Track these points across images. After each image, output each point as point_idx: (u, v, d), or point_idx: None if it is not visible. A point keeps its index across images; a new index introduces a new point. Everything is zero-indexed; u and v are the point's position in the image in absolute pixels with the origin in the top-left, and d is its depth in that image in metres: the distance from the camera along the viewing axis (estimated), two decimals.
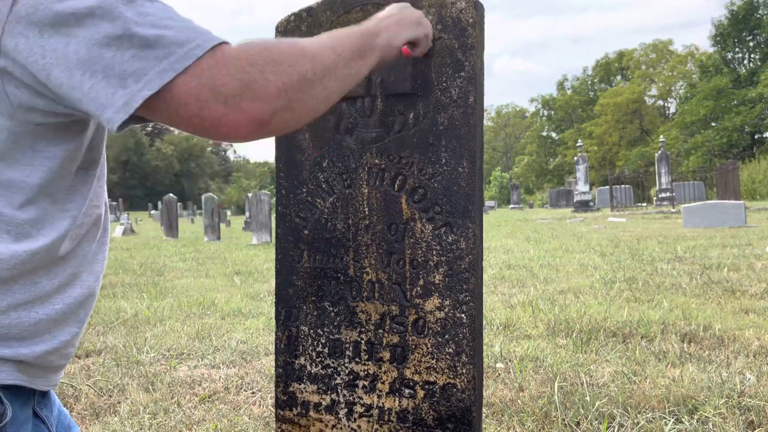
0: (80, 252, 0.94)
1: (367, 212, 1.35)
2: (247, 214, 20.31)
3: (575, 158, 23.65)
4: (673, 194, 21.01)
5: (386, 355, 1.33)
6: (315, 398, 1.41)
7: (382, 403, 1.34)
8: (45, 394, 0.98)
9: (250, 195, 15.69)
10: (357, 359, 1.36)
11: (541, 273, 5.86)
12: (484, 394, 2.30)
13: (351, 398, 1.37)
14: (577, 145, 25.02)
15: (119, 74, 0.74)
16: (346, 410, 1.37)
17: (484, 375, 2.39)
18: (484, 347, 2.91)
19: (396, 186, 1.32)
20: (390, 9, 1.12)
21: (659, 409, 2.13)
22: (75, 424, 1.14)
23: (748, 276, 5.11)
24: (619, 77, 59.92)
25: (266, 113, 0.79)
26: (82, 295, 0.95)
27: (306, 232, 1.41)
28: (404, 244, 1.31)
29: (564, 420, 2.08)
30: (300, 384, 1.42)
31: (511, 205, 34.32)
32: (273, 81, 0.79)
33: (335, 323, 1.38)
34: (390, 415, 1.33)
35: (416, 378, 1.31)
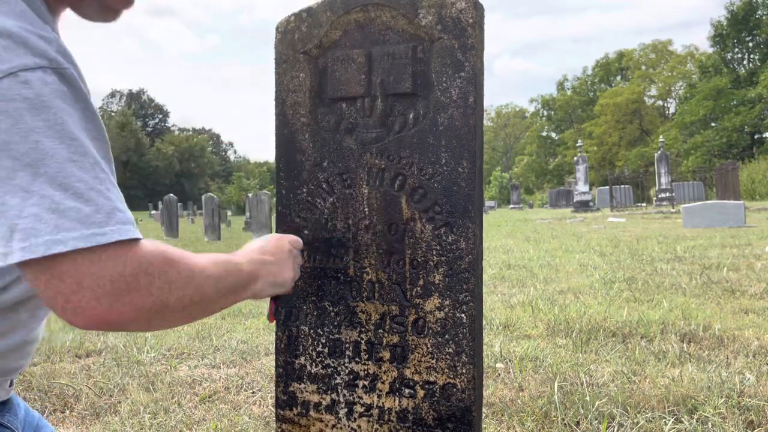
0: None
1: (367, 212, 1.35)
2: (248, 214, 20.31)
3: (575, 158, 23.65)
4: (673, 194, 21.02)
5: (386, 354, 1.34)
6: (315, 398, 1.41)
7: (382, 403, 1.34)
8: (5, 403, 1.00)
9: (250, 195, 15.69)
10: (357, 359, 1.36)
11: (541, 273, 5.86)
12: (484, 393, 2.30)
13: (351, 398, 1.37)
14: (577, 145, 25.03)
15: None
16: (346, 410, 1.38)
17: (484, 375, 2.39)
18: (484, 347, 2.91)
19: (396, 186, 1.32)
20: (271, 249, 1.15)
21: (659, 409, 2.13)
22: (46, 423, 1.16)
23: (747, 276, 5.11)
24: (619, 77, 59.91)
25: (128, 320, 0.77)
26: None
27: (306, 232, 1.41)
28: (404, 244, 1.31)
29: (564, 420, 2.09)
30: (300, 384, 1.42)
31: (511, 205, 34.33)
32: (154, 296, 0.78)
33: (335, 323, 1.38)
34: (390, 414, 1.33)
35: (416, 378, 1.31)
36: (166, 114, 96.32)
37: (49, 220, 0.70)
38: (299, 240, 1.28)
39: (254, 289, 1.07)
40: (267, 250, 1.14)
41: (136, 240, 0.77)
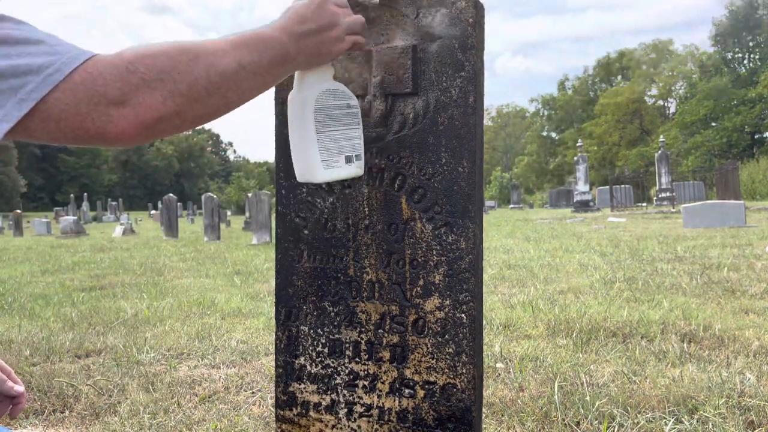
0: None
1: (367, 212, 1.35)
2: (247, 214, 20.30)
3: (575, 158, 23.65)
4: (673, 194, 21.02)
5: (386, 355, 1.33)
6: (315, 398, 1.41)
7: (382, 403, 1.34)
8: None
9: (250, 195, 15.70)
10: (357, 359, 1.36)
11: (541, 273, 5.86)
12: (484, 394, 2.30)
13: (351, 398, 1.37)
14: (577, 145, 25.02)
15: None
16: (346, 410, 1.37)
17: (484, 375, 2.39)
18: (484, 347, 2.91)
19: (396, 186, 1.32)
20: (308, 13, 1.00)
21: (659, 409, 2.13)
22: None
23: (748, 276, 5.11)
24: (619, 77, 59.92)
25: (151, 119, 0.78)
26: None
27: (306, 232, 1.41)
28: (404, 244, 1.31)
29: (564, 420, 2.08)
30: (300, 384, 1.42)
31: (511, 205, 34.33)
32: (158, 89, 0.78)
33: (335, 323, 1.38)
34: (390, 415, 1.33)
35: (416, 378, 1.31)
36: None
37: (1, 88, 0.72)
38: (354, 19, 1.09)
39: (296, 62, 0.99)
40: (306, 16, 1.00)
41: (92, 57, 0.78)
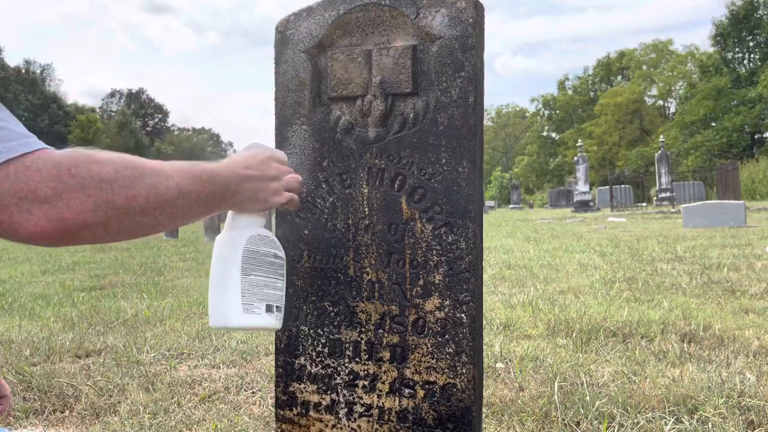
0: None
1: (367, 212, 1.35)
2: None
3: (575, 158, 23.65)
4: (673, 194, 21.02)
5: (386, 354, 1.33)
6: (315, 398, 1.41)
7: (382, 403, 1.34)
8: None
9: None
10: (357, 359, 1.36)
11: (541, 273, 5.86)
12: (484, 394, 2.30)
13: (351, 398, 1.37)
14: (577, 145, 25.02)
15: None
16: (346, 410, 1.37)
17: (484, 375, 2.39)
18: (484, 347, 2.91)
19: (396, 186, 1.32)
20: (254, 162, 1.06)
21: (659, 409, 2.13)
22: None
23: (748, 276, 5.11)
24: (619, 77, 59.92)
25: (75, 224, 0.75)
26: None
27: (306, 232, 1.41)
28: (404, 244, 1.31)
29: (564, 420, 2.08)
30: (300, 384, 1.42)
31: (511, 205, 34.33)
32: (93, 196, 0.76)
33: (335, 323, 1.38)
34: (390, 414, 1.33)
35: (416, 378, 1.31)
36: (165, 114, 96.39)
37: None
38: (284, 156, 1.18)
39: (233, 201, 1.02)
40: (251, 164, 1.06)
41: (45, 149, 0.75)
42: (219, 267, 1.11)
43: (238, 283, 1.08)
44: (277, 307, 1.15)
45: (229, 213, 1.13)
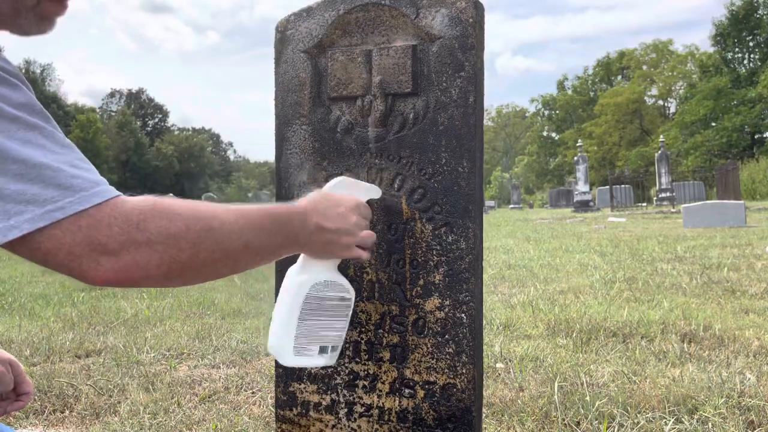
0: None
1: None
2: None
3: (575, 158, 23.65)
4: (673, 194, 21.01)
5: (386, 355, 1.33)
6: (315, 398, 1.41)
7: (382, 403, 1.34)
8: None
9: (250, 195, 15.70)
10: (357, 359, 1.36)
11: (541, 273, 5.86)
12: (484, 394, 2.30)
13: (351, 398, 1.37)
14: (577, 145, 25.02)
15: None
16: (346, 410, 1.37)
17: (484, 375, 2.39)
18: (484, 347, 2.91)
19: (396, 186, 1.32)
20: (333, 213, 1.05)
21: (659, 409, 2.13)
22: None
23: (748, 276, 5.11)
24: (619, 77, 59.93)
25: (138, 276, 0.76)
26: None
27: None
28: (404, 244, 1.31)
29: (564, 420, 2.08)
30: (300, 384, 1.42)
31: (511, 205, 34.33)
32: (159, 252, 0.77)
33: None
34: (390, 415, 1.33)
35: (416, 378, 1.31)
36: (165, 114, 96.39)
37: (21, 199, 0.70)
38: (369, 208, 1.17)
39: (302, 249, 1.03)
40: (328, 215, 1.04)
41: (118, 196, 0.76)
42: (281, 306, 1.13)
43: (293, 327, 1.12)
44: (332, 347, 1.18)
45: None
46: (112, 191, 0.77)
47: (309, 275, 1.13)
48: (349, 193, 1.15)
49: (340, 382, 1.38)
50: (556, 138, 60.94)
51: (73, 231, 0.72)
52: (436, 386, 1.29)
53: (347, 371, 1.37)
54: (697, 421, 2.02)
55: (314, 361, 1.15)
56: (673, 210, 17.72)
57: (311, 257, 1.12)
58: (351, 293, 1.19)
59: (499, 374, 2.61)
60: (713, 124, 38.92)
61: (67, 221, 0.72)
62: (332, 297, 1.15)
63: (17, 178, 0.71)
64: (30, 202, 0.71)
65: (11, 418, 2.30)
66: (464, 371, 1.27)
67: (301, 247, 1.03)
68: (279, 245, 0.95)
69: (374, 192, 1.22)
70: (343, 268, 1.36)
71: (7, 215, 0.70)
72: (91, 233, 0.73)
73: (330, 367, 1.39)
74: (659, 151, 21.76)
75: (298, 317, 1.12)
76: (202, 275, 0.84)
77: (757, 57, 41.21)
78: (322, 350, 1.16)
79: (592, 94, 59.84)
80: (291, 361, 1.13)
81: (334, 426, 1.39)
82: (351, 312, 1.20)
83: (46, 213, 0.71)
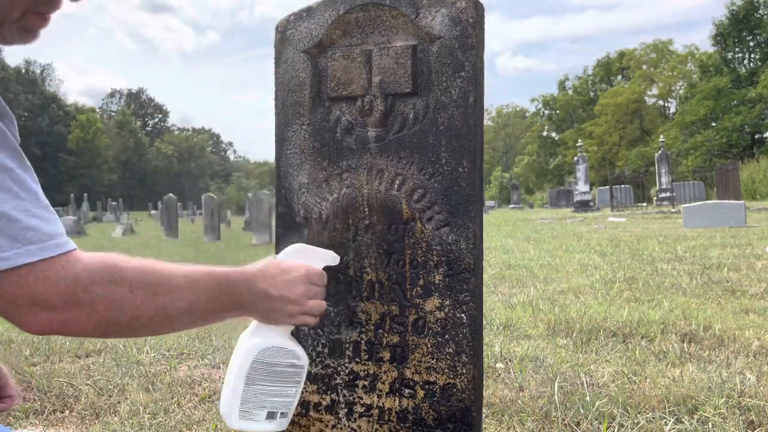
0: None
1: (367, 212, 1.35)
2: (248, 214, 20.31)
3: (575, 158, 23.64)
4: (673, 194, 21.00)
5: (386, 355, 1.33)
6: (315, 398, 1.40)
7: (382, 403, 1.34)
8: None
9: (250, 195, 15.69)
10: (357, 359, 1.36)
11: (541, 273, 5.86)
12: (484, 394, 2.30)
13: (351, 398, 1.37)
14: (577, 145, 25.02)
15: None
16: (346, 410, 1.37)
17: (484, 375, 2.39)
18: (484, 347, 2.91)
19: (396, 186, 1.32)
20: (280, 280, 1.03)
21: (659, 409, 2.13)
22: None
23: (748, 276, 5.11)
24: (619, 77, 59.92)
25: (72, 331, 0.78)
26: None
27: (306, 231, 1.41)
28: (404, 244, 1.31)
29: (564, 420, 2.08)
30: None
31: (511, 205, 34.32)
32: (99, 315, 0.78)
33: (335, 323, 1.38)
34: (390, 415, 1.33)
35: (416, 378, 1.31)
36: (165, 114, 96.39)
37: None
38: (323, 275, 1.13)
39: (248, 313, 1.03)
40: (277, 282, 1.03)
41: (61, 255, 0.76)
42: (230, 370, 1.12)
43: (239, 392, 1.11)
44: (281, 413, 1.16)
45: None
46: (66, 245, 0.77)
47: (258, 339, 1.11)
48: (304, 261, 1.12)
49: (340, 382, 1.38)
50: (556, 138, 60.91)
51: (20, 284, 0.73)
52: (436, 386, 1.29)
53: (347, 371, 1.37)
54: (697, 421, 2.02)
55: (260, 426, 1.13)
56: (673, 210, 17.72)
57: (261, 322, 1.11)
58: (303, 360, 1.16)
59: (499, 374, 2.61)
60: (713, 124, 38.89)
61: (14, 273, 0.73)
62: (281, 363, 1.13)
63: None
64: None
65: (11, 418, 2.30)
66: (464, 371, 1.27)
67: (246, 311, 1.02)
68: (222, 309, 0.95)
69: (331, 259, 1.19)
70: (343, 268, 1.36)
71: None
72: (36, 288, 0.74)
73: (330, 367, 1.39)
74: (659, 151, 21.75)
75: (245, 381, 1.10)
76: (138, 333, 0.85)
77: (757, 57, 41.19)
78: (270, 416, 1.14)
79: (592, 94, 59.80)
80: (236, 424, 1.12)
81: (334, 426, 1.38)
82: (303, 378, 1.17)
83: (8, 257, 0.72)
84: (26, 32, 0.89)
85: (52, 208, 0.80)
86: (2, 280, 0.73)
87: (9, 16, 0.85)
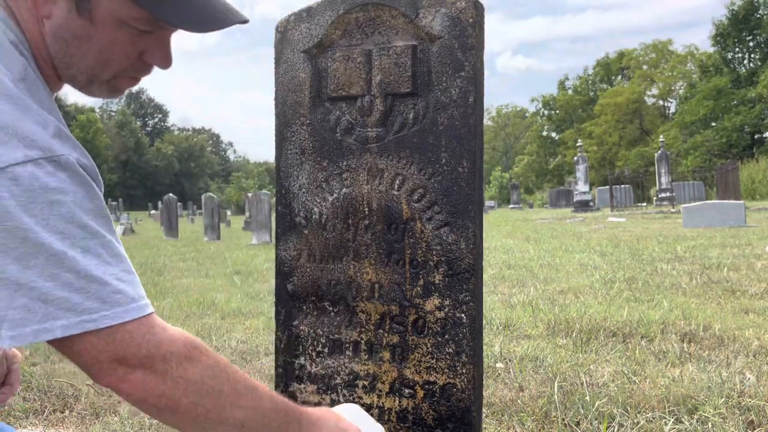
0: None
1: (367, 212, 1.35)
2: (247, 214, 20.31)
3: (575, 158, 23.64)
4: (673, 194, 21.01)
5: (386, 355, 1.33)
6: (315, 398, 1.40)
7: (382, 403, 1.34)
8: None
9: (250, 195, 15.70)
10: (357, 359, 1.36)
11: (541, 273, 5.86)
12: (484, 394, 2.30)
13: (351, 398, 1.37)
14: (577, 145, 25.02)
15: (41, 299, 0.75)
16: None
17: (484, 375, 2.39)
18: (484, 347, 2.91)
19: (396, 186, 1.32)
20: (334, 427, 0.99)
21: (659, 409, 2.13)
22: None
23: (748, 276, 5.11)
24: (619, 77, 59.93)
25: (136, 397, 0.81)
26: None
27: (306, 231, 1.41)
28: (404, 244, 1.31)
29: (564, 420, 2.08)
30: (300, 384, 1.42)
31: (511, 205, 34.32)
32: (167, 388, 0.81)
33: (335, 323, 1.38)
34: (390, 415, 1.33)
35: (416, 378, 1.31)
36: (165, 113, 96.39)
37: (38, 310, 0.74)
38: None
39: None
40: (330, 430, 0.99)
41: (143, 318, 0.80)
42: None
43: None
44: None
45: None
46: (147, 307, 0.81)
47: None
48: (355, 422, 1.07)
49: (340, 382, 1.38)
50: (556, 138, 60.92)
51: (107, 341, 0.77)
52: (436, 386, 1.29)
53: (347, 371, 1.37)
54: (697, 421, 2.02)
55: None
56: (673, 210, 17.72)
57: None
58: None
59: (499, 374, 2.61)
60: (713, 124, 38.90)
61: (101, 332, 0.77)
62: None
63: (66, 287, 0.75)
64: (69, 310, 0.75)
65: (11, 418, 2.30)
66: (464, 371, 1.27)
67: None
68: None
69: (378, 430, 1.11)
70: (343, 268, 1.36)
71: (45, 318, 0.75)
72: (122, 347, 0.78)
73: (330, 367, 1.39)
74: (659, 151, 21.76)
75: None
76: (185, 425, 0.86)
77: (757, 57, 41.19)
78: None
79: (592, 94, 59.81)
80: None
81: None
82: None
83: (80, 323, 0.76)
84: (114, 91, 0.95)
85: (133, 269, 0.84)
86: (93, 336, 0.77)
87: (100, 77, 0.90)
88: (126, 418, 2.25)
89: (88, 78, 0.90)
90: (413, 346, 1.31)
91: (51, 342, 0.77)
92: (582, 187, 22.63)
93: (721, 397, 2.16)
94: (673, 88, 53.31)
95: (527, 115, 72.57)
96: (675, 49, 54.20)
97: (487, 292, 4.72)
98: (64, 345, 0.77)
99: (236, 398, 0.86)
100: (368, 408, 1.35)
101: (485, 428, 2.04)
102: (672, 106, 55.11)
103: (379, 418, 1.34)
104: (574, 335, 3.21)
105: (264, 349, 3.20)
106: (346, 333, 1.37)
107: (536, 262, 6.68)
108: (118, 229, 20.01)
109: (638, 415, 2.08)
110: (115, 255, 0.81)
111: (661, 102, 56.54)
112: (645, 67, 55.12)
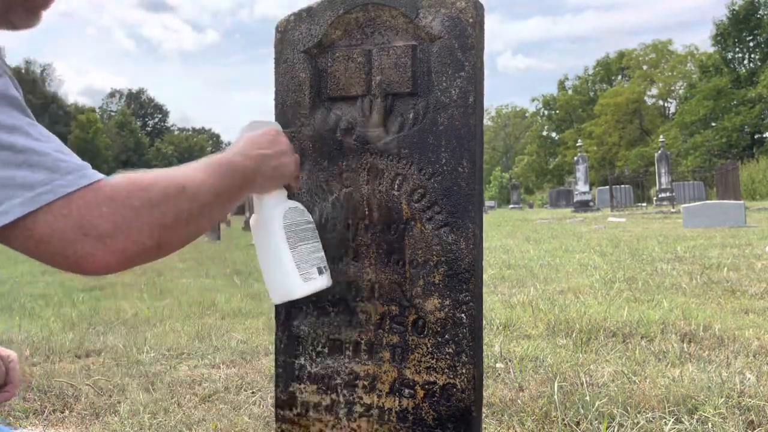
0: None
1: (367, 212, 1.35)
2: (247, 213, 20.30)
3: (575, 158, 23.66)
4: (673, 194, 21.01)
5: (386, 355, 1.33)
6: (315, 398, 1.41)
7: (382, 403, 1.34)
8: None
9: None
10: (357, 359, 1.36)
11: (541, 273, 5.86)
12: (484, 394, 2.30)
13: (351, 398, 1.37)
14: (577, 145, 25.04)
15: None
16: (346, 410, 1.37)
17: (484, 375, 2.39)
18: (484, 347, 2.91)
19: (396, 186, 1.32)
20: (266, 142, 1.07)
21: (659, 409, 2.13)
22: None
23: (748, 276, 5.11)
24: (619, 77, 59.94)
25: (134, 252, 0.78)
26: None
27: None
28: (404, 244, 1.31)
29: (564, 420, 2.08)
30: (300, 384, 1.42)
31: (511, 205, 34.35)
32: (148, 223, 0.78)
33: (335, 323, 1.38)
34: (390, 415, 1.33)
35: (416, 378, 1.31)
36: (165, 113, 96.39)
37: (8, 184, 0.70)
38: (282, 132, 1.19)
39: (256, 185, 1.05)
40: (262, 143, 1.07)
41: (102, 180, 0.77)
42: (267, 248, 1.14)
43: (290, 258, 1.13)
44: (324, 267, 1.20)
45: (254, 197, 1.16)
46: (97, 174, 0.78)
47: (274, 209, 1.14)
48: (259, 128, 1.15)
49: (340, 382, 1.38)
50: (556, 138, 60.93)
51: (65, 215, 0.72)
52: (436, 386, 1.29)
53: (347, 371, 1.37)
54: (697, 421, 2.02)
55: (320, 282, 1.17)
56: (673, 210, 17.72)
57: (263, 193, 1.13)
58: (310, 216, 1.22)
59: (499, 374, 2.61)
60: (713, 124, 38.91)
61: (58, 204, 0.72)
62: (301, 221, 1.18)
63: (5, 165, 0.71)
64: (20, 187, 0.71)
65: (11, 417, 2.30)
66: (464, 371, 1.27)
67: (254, 181, 1.03)
68: (239, 186, 0.97)
69: (276, 124, 1.21)
70: (343, 268, 1.36)
71: (18, 190, 0.70)
72: (82, 216, 0.73)
73: (330, 367, 1.39)
74: (659, 151, 21.77)
75: (288, 247, 1.13)
76: (187, 235, 0.86)
77: (757, 57, 41.20)
78: (320, 271, 1.18)
79: (592, 94, 59.84)
80: (302, 289, 1.14)
81: (334, 426, 1.39)
82: (318, 234, 1.22)
83: (36, 196, 0.71)
84: (30, 14, 0.91)
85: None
86: (49, 214, 0.72)
87: None
88: (126, 418, 2.26)
89: (3, 2, 0.87)
90: (413, 346, 1.31)
91: (11, 234, 0.72)
92: (582, 187, 22.65)
93: (721, 397, 2.16)
94: (673, 88, 53.33)
95: (527, 115, 72.58)
96: (675, 49, 54.24)
97: (487, 292, 4.72)
98: (24, 235, 0.72)
99: (195, 182, 0.87)
100: (368, 408, 1.35)
101: (485, 428, 2.04)
102: (672, 106, 55.11)
103: (379, 418, 1.34)
104: (574, 335, 3.21)
105: (264, 349, 3.20)
106: (346, 333, 1.37)
107: (536, 262, 6.68)
108: None
109: (638, 415, 2.08)
110: (46, 135, 0.77)
111: (661, 102, 56.55)
112: (645, 67, 55.14)
